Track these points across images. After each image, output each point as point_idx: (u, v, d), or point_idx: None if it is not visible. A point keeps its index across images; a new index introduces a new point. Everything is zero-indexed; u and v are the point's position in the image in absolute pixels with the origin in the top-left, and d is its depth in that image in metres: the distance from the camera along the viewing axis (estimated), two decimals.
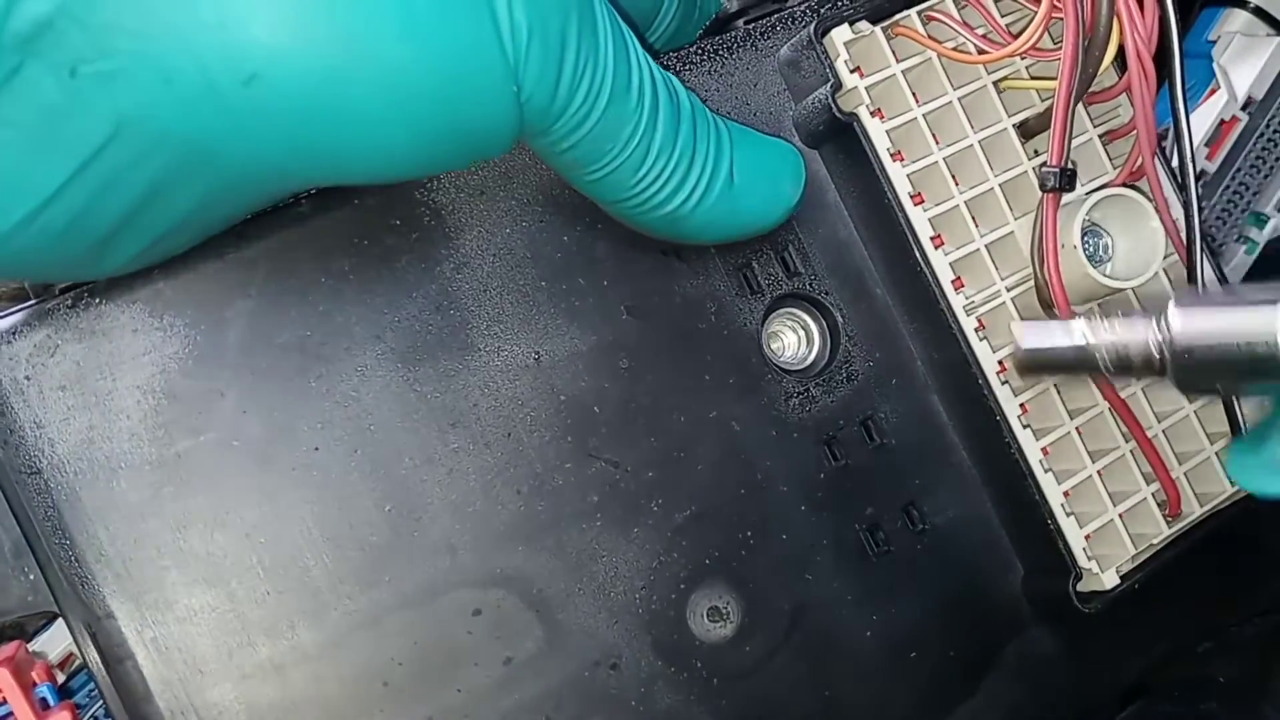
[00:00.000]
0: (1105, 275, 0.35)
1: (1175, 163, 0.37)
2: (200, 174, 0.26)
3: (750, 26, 0.38)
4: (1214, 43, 0.47)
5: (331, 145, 0.26)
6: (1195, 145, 0.46)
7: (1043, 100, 0.37)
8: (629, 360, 0.34)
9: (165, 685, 0.29)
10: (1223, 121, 0.47)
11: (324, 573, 0.31)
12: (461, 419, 0.32)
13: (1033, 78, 0.37)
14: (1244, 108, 0.47)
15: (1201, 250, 0.36)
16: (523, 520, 0.32)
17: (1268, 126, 0.47)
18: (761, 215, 0.34)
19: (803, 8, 0.38)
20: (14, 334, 0.29)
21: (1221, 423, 0.38)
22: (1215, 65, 0.46)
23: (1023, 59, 0.37)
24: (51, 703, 0.32)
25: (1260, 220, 0.49)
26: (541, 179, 0.34)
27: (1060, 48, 0.35)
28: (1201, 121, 0.46)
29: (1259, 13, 0.46)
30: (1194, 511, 0.37)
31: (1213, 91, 0.46)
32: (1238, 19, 0.47)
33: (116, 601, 0.29)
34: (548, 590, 0.32)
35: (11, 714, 0.30)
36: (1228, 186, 0.48)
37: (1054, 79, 0.36)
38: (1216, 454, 0.38)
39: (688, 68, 0.36)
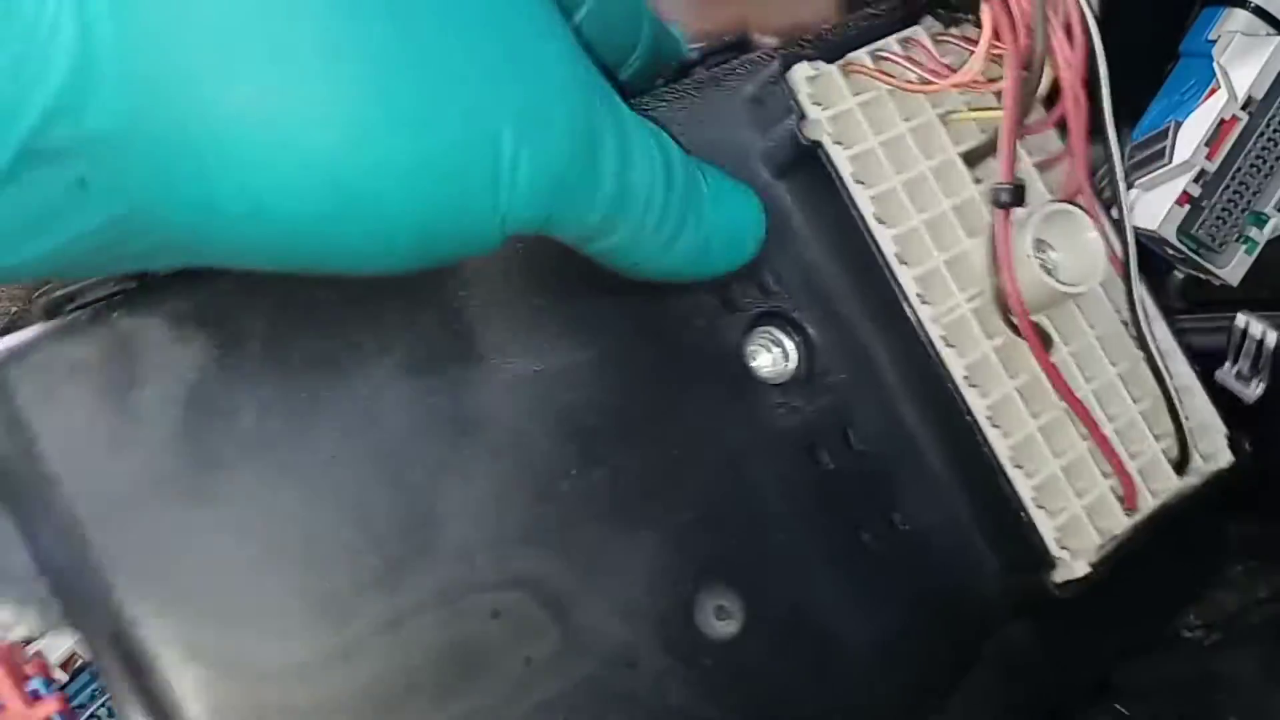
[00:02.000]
0: (1057, 282, 0.38)
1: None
2: (186, 255, 0.27)
3: (714, 71, 0.40)
4: (1214, 42, 0.48)
5: (320, 262, 0.28)
6: (1195, 145, 0.47)
7: (982, 131, 0.41)
8: (626, 372, 0.36)
9: (193, 693, 0.29)
10: (1223, 121, 0.48)
11: (345, 580, 0.31)
12: (471, 428, 0.33)
13: (972, 110, 0.41)
14: (1244, 107, 0.48)
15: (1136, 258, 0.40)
16: (534, 524, 0.33)
17: (1268, 126, 0.48)
18: (724, 267, 0.37)
19: (761, 53, 0.41)
20: (32, 345, 0.29)
21: (1166, 424, 0.41)
22: (1215, 65, 0.48)
23: (962, 94, 0.41)
24: (43, 694, 0.31)
25: (1260, 220, 0.50)
26: None
27: (995, 81, 0.39)
28: (1201, 121, 0.47)
29: (1259, 12, 0.47)
30: (1148, 505, 0.40)
31: (1213, 91, 0.47)
32: (1238, 19, 0.48)
33: (141, 610, 0.29)
34: (562, 592, 0.33)
35: (4, 707, 0.30)
36: (1227, 186, 0.49)
37: (993, 109, 0.40)
38: (1162, 451, 0.41)
39: (661, 104, 0.39)
